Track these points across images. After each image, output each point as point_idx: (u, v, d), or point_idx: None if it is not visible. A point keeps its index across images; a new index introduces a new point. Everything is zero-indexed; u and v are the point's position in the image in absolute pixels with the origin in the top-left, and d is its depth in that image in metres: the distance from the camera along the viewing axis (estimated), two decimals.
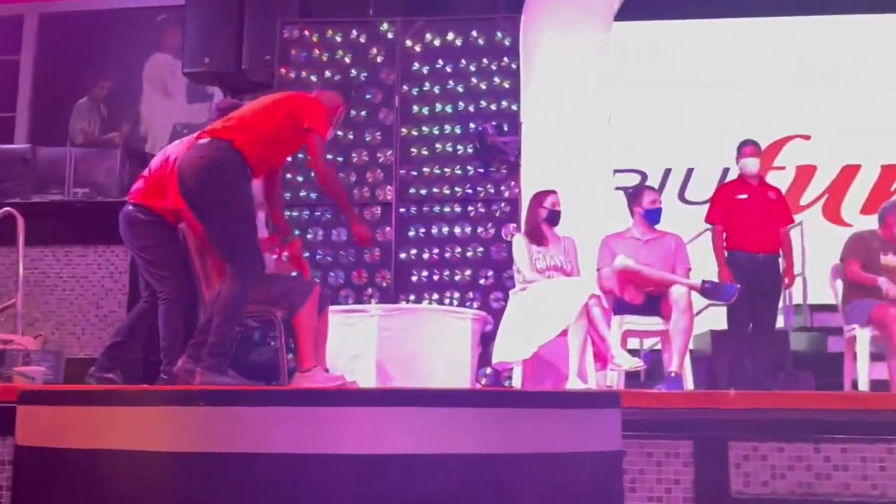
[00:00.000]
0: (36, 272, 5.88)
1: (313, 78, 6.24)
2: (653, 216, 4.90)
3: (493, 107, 6.05)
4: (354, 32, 6.20)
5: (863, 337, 4.78)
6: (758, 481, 2.85)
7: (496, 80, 6.06)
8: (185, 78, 6.69)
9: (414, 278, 5.97)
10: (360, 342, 4.98)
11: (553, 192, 4.94)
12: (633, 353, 4.76)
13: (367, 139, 6.18)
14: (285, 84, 6.26)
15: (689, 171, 6.08)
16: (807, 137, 6.67)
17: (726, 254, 5.25)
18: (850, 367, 4.92)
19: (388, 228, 6.03)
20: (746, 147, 5.35)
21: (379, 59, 6.17)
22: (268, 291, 3.79)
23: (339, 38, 6.21)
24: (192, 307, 4.08)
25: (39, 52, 6.74)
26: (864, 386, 4.67)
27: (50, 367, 4.64)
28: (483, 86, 6.08)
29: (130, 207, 4.04)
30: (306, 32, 6.23)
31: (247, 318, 3.95)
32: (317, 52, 6.23)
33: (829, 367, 5.48)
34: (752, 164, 5.30)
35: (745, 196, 5.28)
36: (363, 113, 6.20)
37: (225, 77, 6.60)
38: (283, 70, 6.25)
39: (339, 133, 6.17)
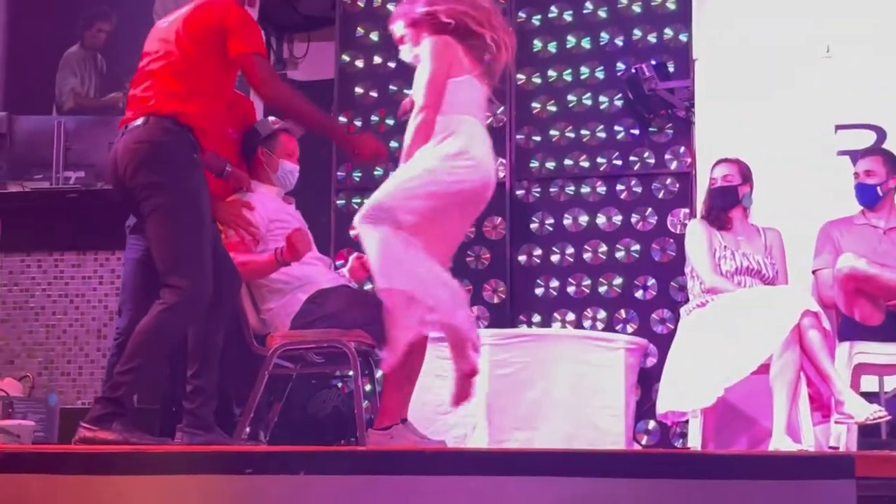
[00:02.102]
0: (15, 290, 6.17)
1: (390, 6, 6.33)
2: (865, 193, 4.86)
3: (653, 38, 6.04)
4: None
5: None
6: None
7: None
8: None
9: (539, 291, 6.02)
10: None
11: (726, 160, 4.92)
12: (870, 397, 4.63)
13: None
14: (351, 18, 6.39)
15: None
16: None
17: None
18: None
19: (498, 220, 6.09)
20: None
21: None
22: (346, 314, 3.90)
23: None
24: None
25: None
26: None
27: (40, 420, 4.88)
28: (637, 7, 6.08)
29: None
30: None
31: (307, 352, 4.07)
32: None
33: None
34: None
35: None
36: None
37: (266, 10, 6.74)
38: None
39: None
